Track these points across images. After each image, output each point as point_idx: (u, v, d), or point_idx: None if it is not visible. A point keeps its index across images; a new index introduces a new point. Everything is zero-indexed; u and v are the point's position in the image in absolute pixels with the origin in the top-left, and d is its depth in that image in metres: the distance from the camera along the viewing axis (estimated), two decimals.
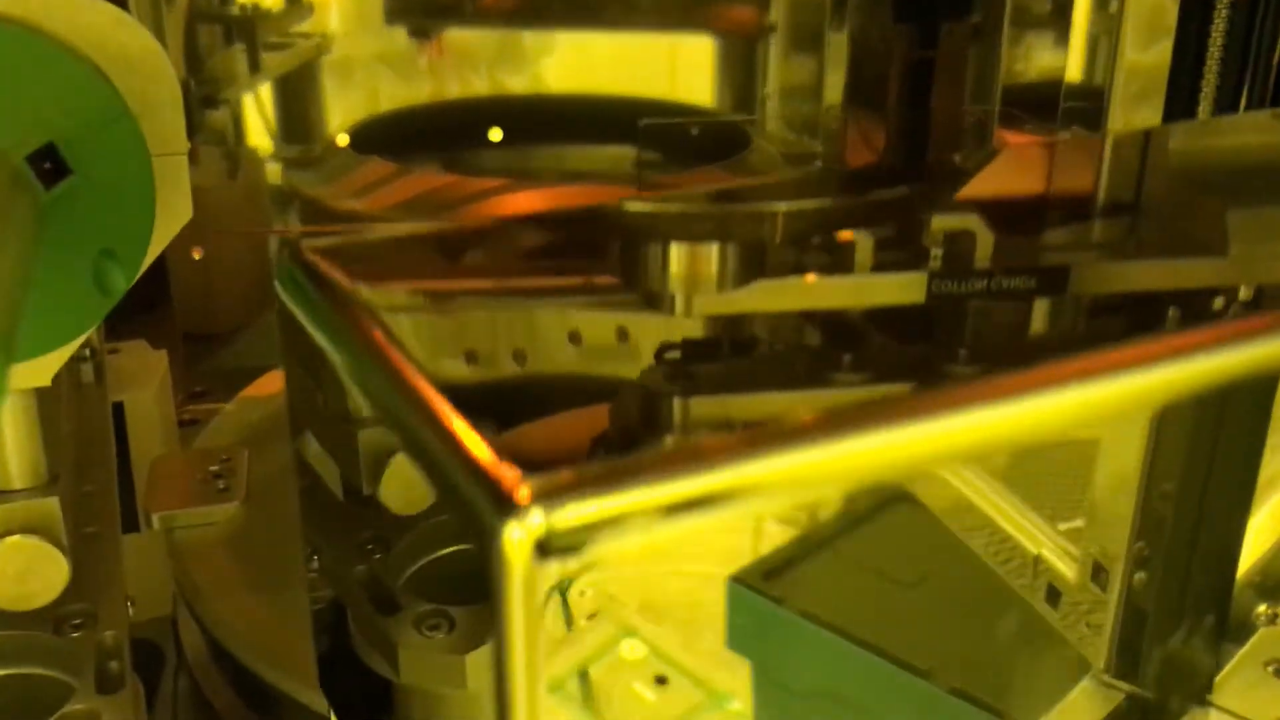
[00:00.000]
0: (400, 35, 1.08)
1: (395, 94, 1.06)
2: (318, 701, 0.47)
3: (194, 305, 0.99)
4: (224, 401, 0.75)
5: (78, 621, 0.39)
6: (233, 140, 1.04)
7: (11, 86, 0.31)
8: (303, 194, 1.06)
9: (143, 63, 0.34)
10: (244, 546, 0.56)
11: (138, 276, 0.35)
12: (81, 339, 0.35)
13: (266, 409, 0.66)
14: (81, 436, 0.49)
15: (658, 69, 1.02)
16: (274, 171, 1.07)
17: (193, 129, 0.95)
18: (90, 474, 0.47)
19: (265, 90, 1.06)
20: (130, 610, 0.41)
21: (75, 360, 0.54)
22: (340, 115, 1.06)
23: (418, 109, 1.06)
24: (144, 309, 0.90)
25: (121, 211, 0.33)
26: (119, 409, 0.65)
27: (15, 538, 0.37)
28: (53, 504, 0.38)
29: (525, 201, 0.98)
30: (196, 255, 0.97)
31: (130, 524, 0.63)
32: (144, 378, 0.67)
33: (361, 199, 1.05)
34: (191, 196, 0.37)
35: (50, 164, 0.32)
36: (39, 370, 0.35)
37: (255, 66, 1.04)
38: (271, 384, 0.70)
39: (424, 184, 1.06)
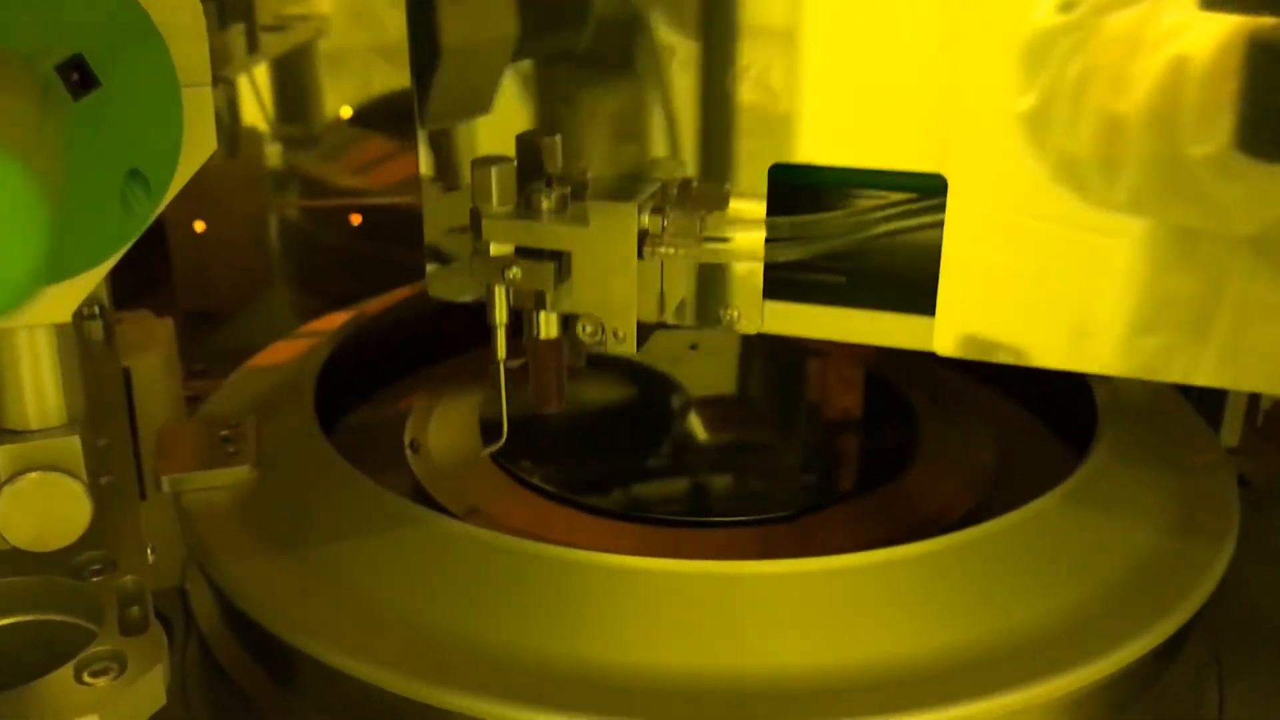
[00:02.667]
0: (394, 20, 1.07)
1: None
2: (336, 659, 0.46)
3: (194, 284, 0.99)
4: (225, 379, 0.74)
5: (97, 567, 0.38)
6: (229, 119, 1.02)
7: None
8: (301, 171, 1.05)
9: None
10: (256, 510, 0.55)
11: (164, 202, 0.34)
12: (104, 270, 0.34)
13: (272, 379, 0.65)
14: (93, 393, 0.48)
15: None
16: (273, 151, 1.06)
17: None
18: (105, 428, 0.46)
19: (261, 70, 1.05)
20: (151, 556, 0.40)
21: (83, 318, 0.53)
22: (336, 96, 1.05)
23: None
24: (145, 287, 0.90)
25: (148, 132, 0.32)
26: (125, 376, 0.63)
27: (36, 474, 0.36)
28: (74, 442, 0.37)
29: None
30: (199, 228, 0.96)
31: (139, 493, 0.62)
32: (150, 344, 0.65)
33: (361, 176, 1.05)
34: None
35: (78, 75, 0.31)
36: (58, 305, 0.34)
37: (252, 47, 1.04)
38: (275, 355, 0.69)
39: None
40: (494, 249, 0.46)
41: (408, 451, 0.63)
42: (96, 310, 0.53)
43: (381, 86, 1.04)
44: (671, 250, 0.46)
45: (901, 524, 0.58)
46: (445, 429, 0.65)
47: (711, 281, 0.50)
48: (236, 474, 0.56)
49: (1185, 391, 0.65)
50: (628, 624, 0.47)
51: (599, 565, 0.48)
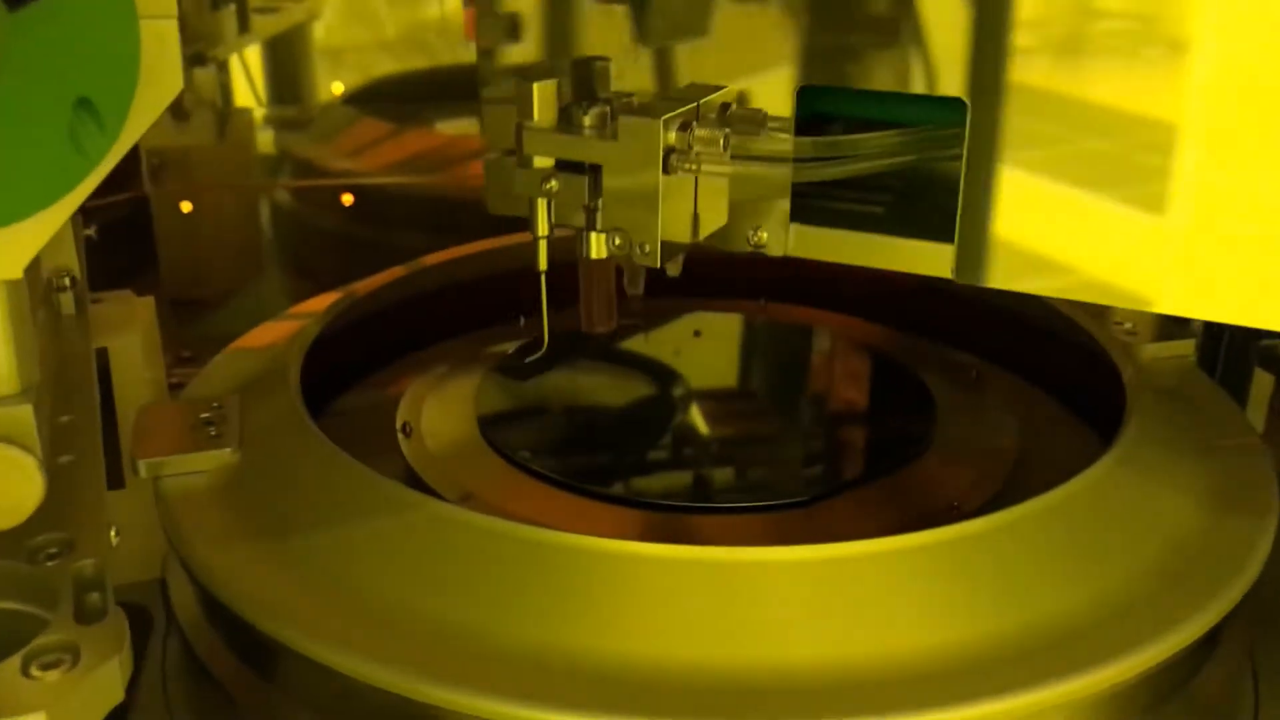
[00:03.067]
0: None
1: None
2: (324, 654, 0.43)
3: (182, 270, 0.97)
4: None
5: (53, 550, 0.35)
6: (221, 100, 1.00)
7: None
8: (294, 154, 1.03)
9: None
10: (238, 496, 0.52)
11: (121, 143, 0.31)
12: (56, 221, 0.31)
13: (257, 360, 0.62)
14: (61, 369, 0.44)
15: None
16: (265, 134, 1.04)
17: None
18: (69, 404, 0.43)
19: (253, 52, 1.03)
20: (115, 538, 0.37)
21: (54, 290, 0.50)
22: (329, 78, 1.03)
23: None
24: (130, 274, 0.88)
25: (100, 57, 0.29)
26: (103, 356, 0.61)
27: None
28: (25, 412, 0.33)
29: None
30: (185, 208, 0.94)
31: (116, 481, 0.59)
32: (129, 323, 0.63)
33: (355, 158, 1.03)
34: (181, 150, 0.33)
35: None
36: (6, 257, 0.31)
37: (244, 27, 1.02)
38: (262, 336, 0.66)
39: (419, 143, 1.03)
40: (536, 162, 0.48)
41: (400, 435, 0.60)
42: (68, 282, 0.50)
43: (376, 69, 1.02)
44: (696, 165, 0.47)
45: (920, 510, 0.55)
46: (439, 413, 0.63)
47: (742, 204, 0.51)
48: (218, 457, 0.53)
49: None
50: (633, 614, 0.44)
51: (602, 552, 0.46)
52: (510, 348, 0.68)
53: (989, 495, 0.56)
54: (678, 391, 0.66)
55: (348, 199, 0.98)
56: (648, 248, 0.47)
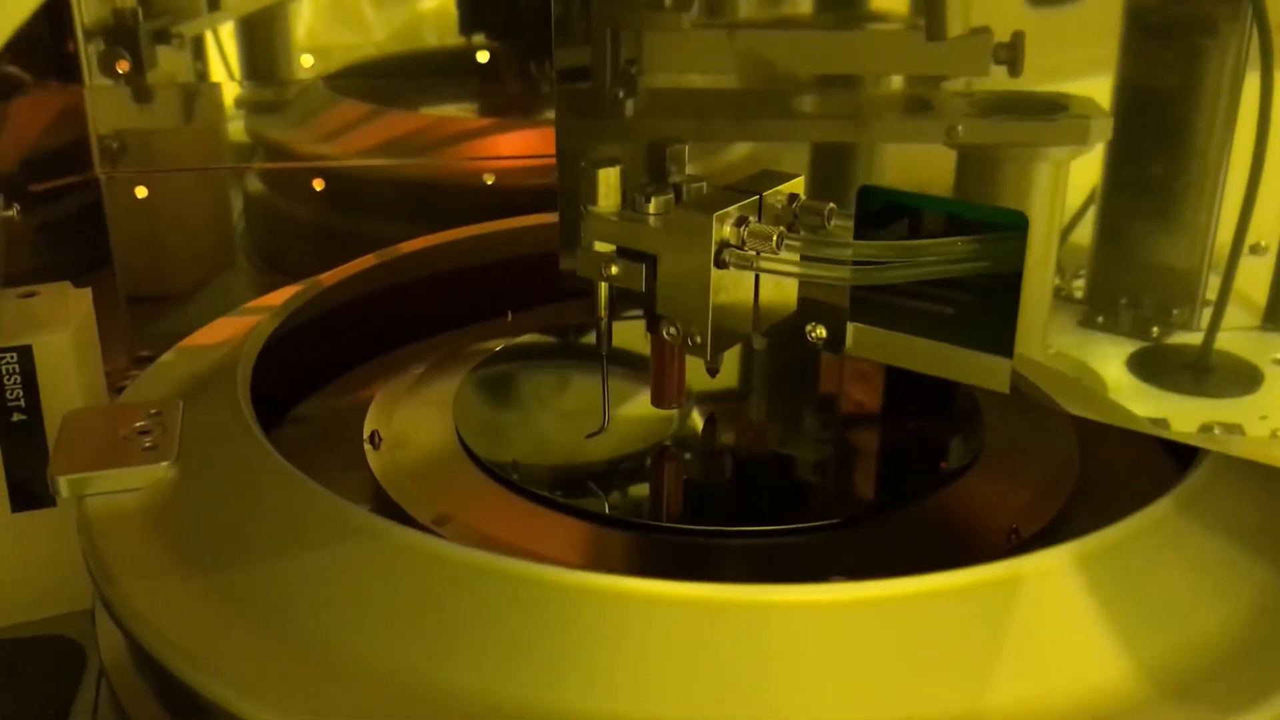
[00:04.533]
0: None
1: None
2: (254, 712, 0.36)
3: (140, 262, 0.92)
4: None
5: None
6: (193, 78, 0.95)
7: None
8: (266, 138, 0.97)
9: None
10: (173, 519, 0.45)
11: None
12: None
13: (207, 360, 0.55)
14: None
15: None
16: (237, 116, 0.98)
17: (141, 64, 0.89)
18: None
19: (227, 30, 0.97)
20: None
21: None
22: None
23: None
24: (84, 271, 0.82)
25: None
26: (26, 354, 0.53)
27: None
28: None
29: (511, 144, 0.92)
30: (140, 193, 0.88)
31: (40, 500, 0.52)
32: (59, 318, 0.56)
33: (333, 142, 0.97)
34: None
35: None
36: None
37: (214, 4, 0.96)
38: (216, 333, 0.59)
39: (401, 125, 0.97)
40: (598, 246, 0.49)
41: (367, 446, 0.52)
42: None
43: (352, 52, 0.97)
44: (751, 261, 0.47)
45: (965, 539, 0.49)
46: (413, 421, 0.56)
47: (804, 299, 0.52)
48: (150, 473, 0.47)
49: None
50: (637, 665, 0.37)
51: (604, 591, 0.39)
52: (498, 345, 0.62)
53: (1049, 518, 0.50)
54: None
55: (319, 184, 0.93)
56: (699, 339, 0.48)
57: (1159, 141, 0.45)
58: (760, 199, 0.48)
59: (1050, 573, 0.40)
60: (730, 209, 0.47)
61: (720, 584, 0.38)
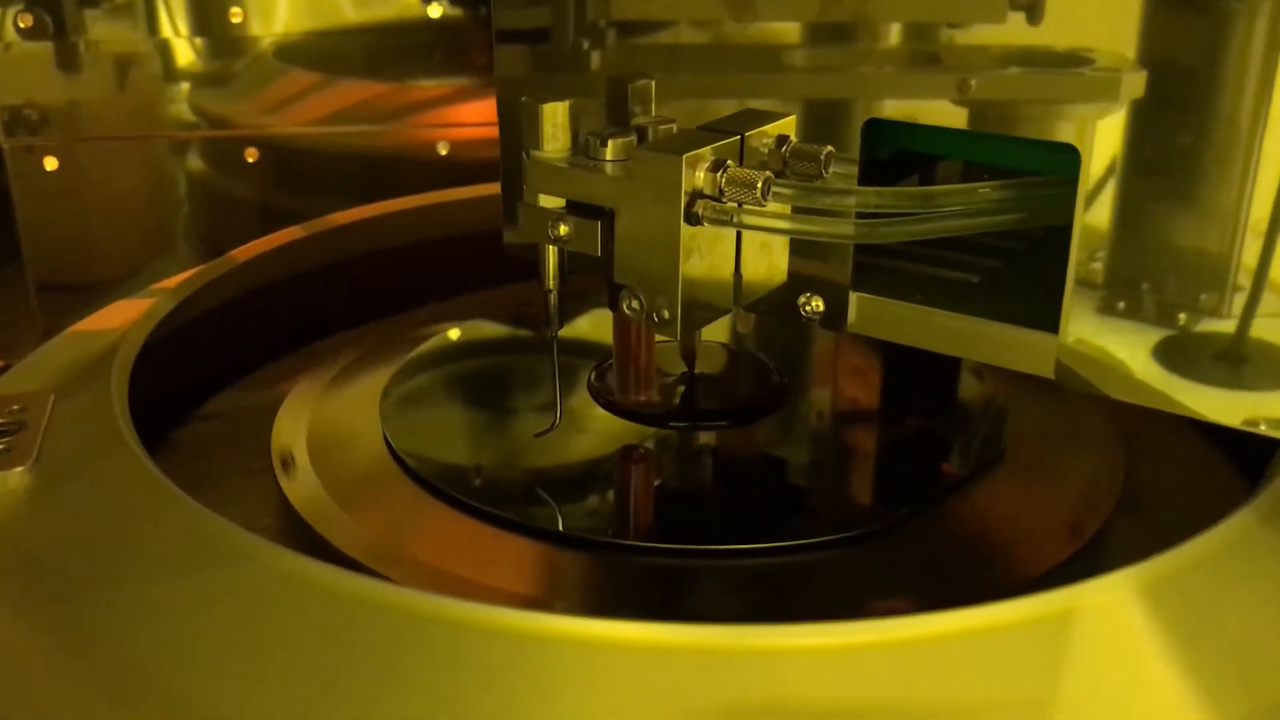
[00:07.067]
0: None
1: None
2: None
3: (52, 246, 0.86)
4: None
5: None
6: (120, 47, 0.88)
7: None
8: (207, 109, 0.90)
9: None
10: (23, 537, 0.37)
11: None
12: None
13: (91, 347, 0.48)
14: None
15: None
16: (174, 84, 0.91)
17: (64, 28, 0.82)
18: None
19: None
20: None
21: None
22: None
23: None
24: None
25: None
26: None
27: None
28: None
29: (470, 113, 0.88)
30: (50, 165, 0.82)
31: None
32: None
33: (279, 114, 0.91)
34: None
35: None
36: None
37: None
38: (111, 317, 0.52)
39: (354, 95, 0.91)
40: (542, 200, 0.41)
41: (274, 460, 0.45)
42: None
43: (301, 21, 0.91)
44: (731, 215, 0.39)
45: (994, 557, 0.42)
46: (335, 422, 0.49)
47: (796, 263, 0.45)
48: (1, 481, 0.40)
49: None
50: None
51: (545, 634, 0.31)
52: (445, 331, 0.56)
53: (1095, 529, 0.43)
54: (657, 390, 0.50)
55: (252, 154, 0.88)
56: (666, 313, 0.40)
57: (1185, 112, 0.39)
58: (742, 139, 0.40)
59: (1110, 606, 0.33)
60: (704, 150, 0.39)
61: (706, 623, 0.31)
